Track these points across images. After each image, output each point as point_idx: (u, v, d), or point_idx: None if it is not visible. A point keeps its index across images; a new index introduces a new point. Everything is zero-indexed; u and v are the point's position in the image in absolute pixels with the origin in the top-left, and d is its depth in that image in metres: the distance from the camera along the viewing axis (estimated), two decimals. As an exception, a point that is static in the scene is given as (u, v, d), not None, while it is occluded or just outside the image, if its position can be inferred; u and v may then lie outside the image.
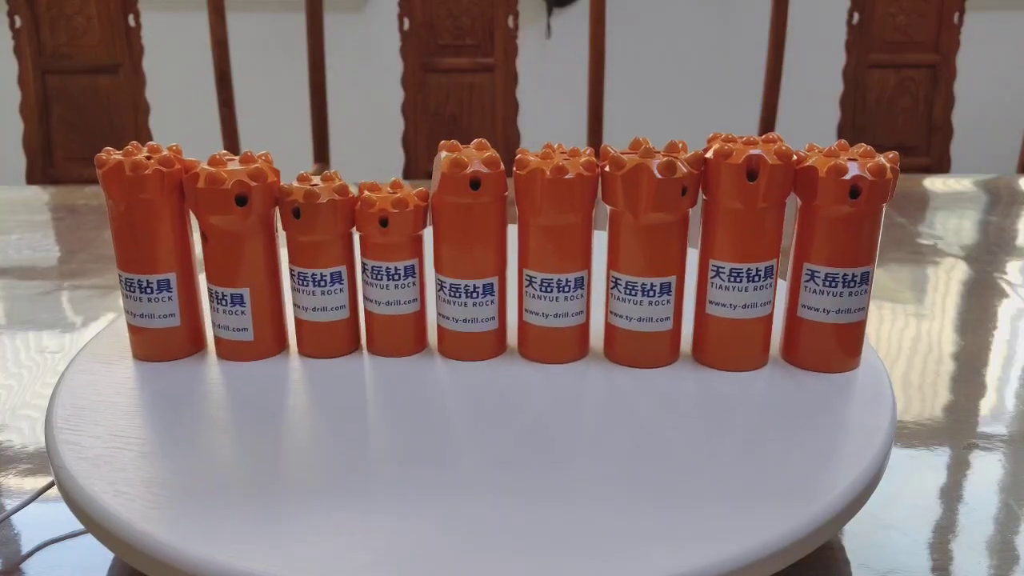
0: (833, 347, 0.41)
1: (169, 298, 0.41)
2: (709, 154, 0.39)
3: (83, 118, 1.25)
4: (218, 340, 0.42)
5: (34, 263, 0.74)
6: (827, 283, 0.40)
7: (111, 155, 0.39)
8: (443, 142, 0.40)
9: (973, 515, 0.39)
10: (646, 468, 0.33)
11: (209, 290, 0.41)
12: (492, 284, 0.41)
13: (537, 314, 0.41)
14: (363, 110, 1.96)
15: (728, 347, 0.41)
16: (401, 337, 0.42)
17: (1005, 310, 0.64)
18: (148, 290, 0.41)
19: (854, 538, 0.37)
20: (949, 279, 0.71)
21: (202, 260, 0.42)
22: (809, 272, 0.40)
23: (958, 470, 0.43)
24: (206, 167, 0.39)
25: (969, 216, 0.90)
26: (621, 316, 0.41)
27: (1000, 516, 0.39)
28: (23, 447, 0.44)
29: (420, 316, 0.42)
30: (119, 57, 1.24)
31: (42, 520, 0.38)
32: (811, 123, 1.36)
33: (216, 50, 1.25)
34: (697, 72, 2.22)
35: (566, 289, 0.40)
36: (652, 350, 0.41)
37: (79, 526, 0.33)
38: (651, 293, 0.40)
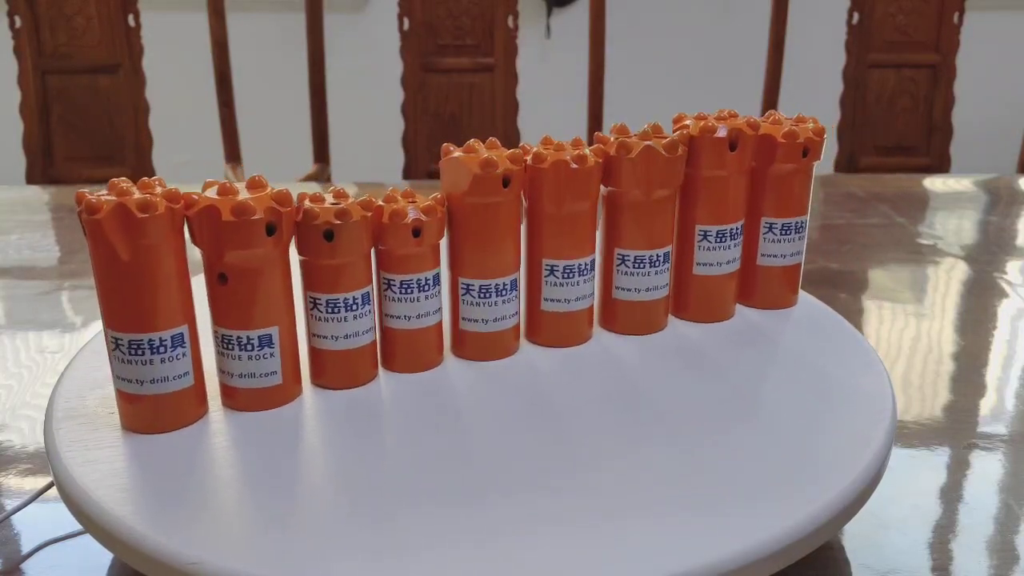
0: (783, 287, 0.48)
1: (183, 355, 0.35)
2: (694, 131, 0.43)
3: (83, 118, 1.25)
4: (232, 392, 0.37)
5: (34, 263, 0.74)
6: (783, 232, 0.46)
7: (100, 197, 0.33)
8: (447, 144, 0.40)
9: (973, 515, 0.39)
10: (666, 463, 0.34)
11: (224, 337, 0.36)
12: (515, 280, 0.41)
13: (559, 301, 0.42)
14: (363, 110, 1.96)
15: (712, 302, 0.46)
16: (426, 350, 0.41)
17: (1005, 310, 0.64)
18: (160, 350, 0.34)
19: (854, 538, 0.37)
20: (949, 279, 0.71)
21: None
22: (767, 224, 0.46)
23: (958, 470, 0.43)
24: (219, 197, 0.34)
25: (969, 216, 0.90)
26: (630, 289, 0.44)
27: (1000, 516, 0.39)
28: (23, 447, 0.44)
29: (440, 325, 0.41)
30: (119, 57, 1.24)
31: (42, 520, 0.38)
32: (811, 123, 1.35)
33: (216, 50, 1.25)
34: (697, 72, 2.22)
35: (584, 273, 0.42)
36: (654, 317, 0.45)
37: (79, 526, 0.33)
38: (656, 264, 0.43)
